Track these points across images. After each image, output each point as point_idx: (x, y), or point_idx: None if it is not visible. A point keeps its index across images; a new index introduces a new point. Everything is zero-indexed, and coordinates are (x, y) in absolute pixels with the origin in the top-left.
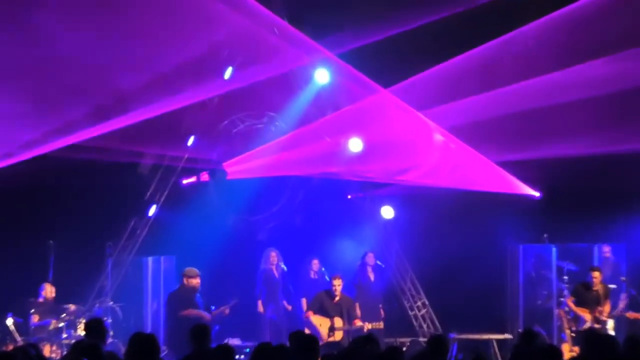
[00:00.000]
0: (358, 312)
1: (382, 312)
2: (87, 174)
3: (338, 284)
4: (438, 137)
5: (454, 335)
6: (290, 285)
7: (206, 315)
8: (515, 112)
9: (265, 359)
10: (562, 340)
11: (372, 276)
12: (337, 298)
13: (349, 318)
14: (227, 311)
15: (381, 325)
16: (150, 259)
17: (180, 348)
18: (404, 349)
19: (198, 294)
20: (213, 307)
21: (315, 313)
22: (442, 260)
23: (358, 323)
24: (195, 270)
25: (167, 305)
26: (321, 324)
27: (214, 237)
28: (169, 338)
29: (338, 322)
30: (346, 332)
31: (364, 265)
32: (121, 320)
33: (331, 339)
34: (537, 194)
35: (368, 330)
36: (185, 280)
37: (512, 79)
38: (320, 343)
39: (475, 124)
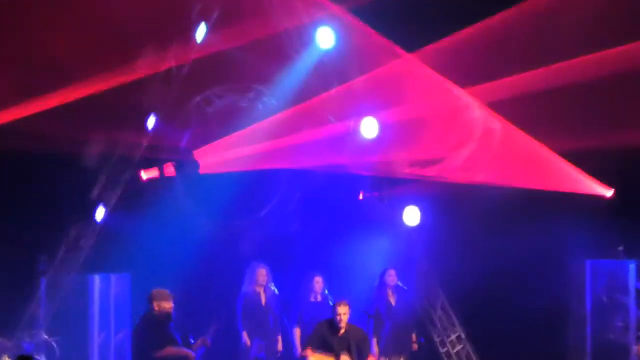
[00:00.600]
0: (375, 348)
1: (415, 344)
2: (14, 166)
3: (344, 312)
4: (479, 117)
5: None
6: (283, 314)
7: (190, 354)
8: (581, 84)
9: None
10: None
11: (393, 300)
12: (342, 330)
13: (359, 356)
14: (207, 342)
15: None
16: (97, 278)
17: None
18: None
19: (172, 323)
20: (192, 340)
21: (314, 350)
22: (483, 281)
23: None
24: (166, 292)
25: (135, 344)
26: None
27: (182, 249)
28: None
29: (345, 359)
30: None
31: (382, 286)
32: (58, 358)
33: None
34: (609, 193)
35: None
36: (155, 306)
37: (578, 43)
38: None
39: (528, 101)
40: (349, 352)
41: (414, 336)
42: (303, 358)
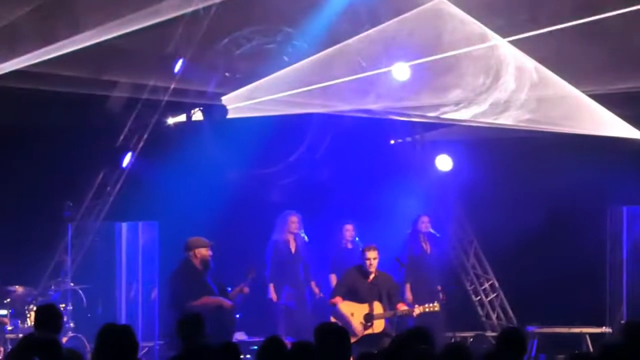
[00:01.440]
0: (408, 295)
1: (441, 294)
2: (38, 111)
3: (373, 257)
4: (513, 61)
5: (534, 329)
6: (312, 262)
7: (226, 302)
8: (617, 28)
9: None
10: None
11: (427, 247)
12: (371, 276)
13: (390, 302)
14: (245, 289)
15: (437, 307)
16: (124, 226)
17: None
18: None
19: (209, 272)
20: (229, 289)
21: (344, 298)
22: (518, 228)
23: (402, 307)
24: (203, 239)
25: (172, 293)
26: (353, 312)
27: (210, 197)
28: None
29: (377, 307)
30: (389, 321)
31: (415, 233)
32: (85, 307)
33: (368, 331)
34: None
35: (419, 315)
36: (191, 254)
37: None
38: (353, 339)
39: (558, 43)
40: (380, 300)
41: (439, 288)
42: (333, 306)
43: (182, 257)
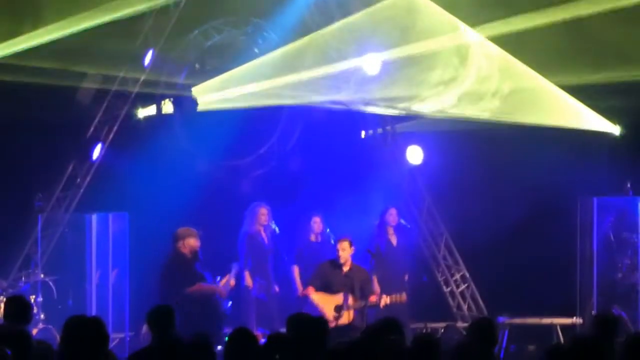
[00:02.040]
0: (376, 287)
1: (405, 282)
2: (7, 103)
3: (342, 249)
4: (484, 52)
5: (505, 320)
6: (284, 253)
7: (220, 289)
8: (588, 18)
9: (244, 351)
10: None
11: (394, 240)
12: (345, 268)
13: (362, 295)
14: (232, 282)
15: (404, 297)
16: (94, 217)
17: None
18: (438, 337)
19: (198, 262)
20: (218, 277)
21: (317, 290)
22: (488, 220)
23: (373, 299)
24: (192, 229)
25: (163, 284)
26: (325, 303)
27: (180, 188)
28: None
29: (348, 299)
30: (358, 312)
31: (383, 225)
32: (56, 298)
33: (338, 322)
34: (617, 129)
35: (386, 306)
36: (180, 244)
37: None
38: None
39: (534, 37)
40: (352, 292)
41: (406, 276)
42: (304, 297)
43: (171, 247)
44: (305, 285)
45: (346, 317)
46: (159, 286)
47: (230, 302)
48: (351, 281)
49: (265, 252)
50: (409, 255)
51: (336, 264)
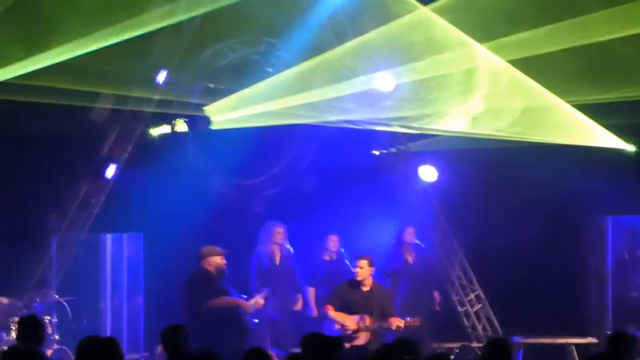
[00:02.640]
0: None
1: (436, 304)
2: (22, 122)
3: (360, 267)
4: (496, 70)
5: (519, 340)
6: (299, 273)
7: (244, 303)
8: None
9: None
10: None
11: (410, 258)
12: (365, 288)
13: (382, 315)
14: (261, 302)
15: (417, 322)
16: (109, 237)
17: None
18: (452, 357)
19: (224, 280)
20: (245, 297)
21: (336, 310)
22: (503, 239)
23: (393, 321)
24: (217, 248)
25: (192, 297)
26: (343, 323)
27: (195, 208)
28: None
29: (366, 320)
30: (374, 334)
31: (399, 244)
32: (71, 319)
33: (358, 342)
34: (632, 148)
35: (399, 329)
36: (205, 262)
37: None
38: (347, 345)
39: (547, 55)
40: (372, 313)
41: (436, 295)
42: (324, 314)
43: (194, 265)
44: (325, 302)
45: (363, 338)
46: (185, 302)
47: (257, 320)
48: (371, 301)
49: (280, 272)
50: (427, 274)
51: (355, 283)
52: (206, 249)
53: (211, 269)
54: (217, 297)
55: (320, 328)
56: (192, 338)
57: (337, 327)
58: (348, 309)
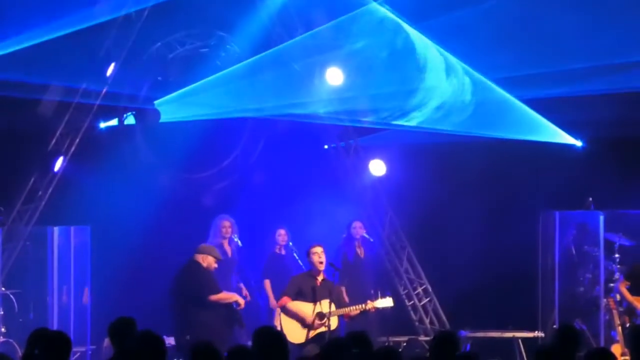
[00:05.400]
0: (345, 298)
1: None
2: None
3: (321, 251)
4: (447, 65)
5: (466, 334)
6: (247, 266)
7: (241, 299)
8: (547, 28)
9: None
10: (612, 339)
11: (361, 252)
12: (320, 277)
13: (338, 305)
14: (246, 293)
15: (390, 302)
16: (56, 230)
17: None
18: (400, 350)
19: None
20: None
21: (293, 299)
22: (450, 234)
23: (354, 306)
24: (216, 251)
25: (187, 286)
26: (304, 310)
27: (143, 201)
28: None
29: (328, 305)
30: (346, 318)
31: (350, 238)
32: (17, 312)
33: (323, 329)
34: (579, 143)
35: (372, 310)
36: (199, 257)
37: None
38: (311, 333)
39: (493, 48)
40: (330, 299)
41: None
42: (282, 307)
43: (190, 259)
44: (280, 295)
45: (333, 323)
46: (183, 292)
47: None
48: (328, 290)
49: (229, 266)
50: (373, 268)
51: (310, 274)
52: (206, 247)
53: (204, 264)
54: (218, 291)
55: (271, 320)
56: (188, 328)
57: (298, 318)
58: (305, 297)
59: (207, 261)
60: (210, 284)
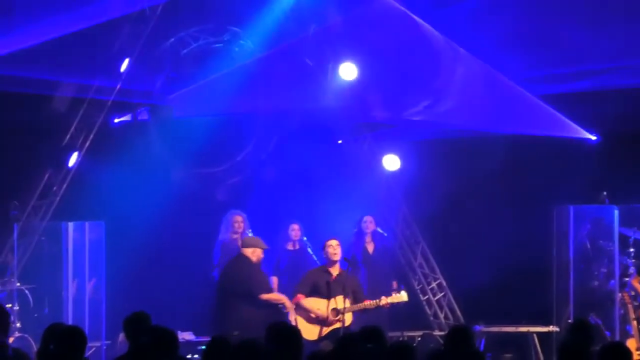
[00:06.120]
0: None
1: (394, 292)
2: None
3: (336, 244)
4: (462, 60)
5: (481, 328)
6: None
7: (288, 302)
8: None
9: (222, 359)
10: (626, 334)
11: (370, 247)
12: (335, 272)
13: (355, 300)
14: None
15: (405, 297)
16: (71, 225)
17: None
18: (414, 345)
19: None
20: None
21: (307, 296)
22: (465, 228)
23: (368, 302)
24: (262, 242)
25: (236, 284)
26: (319, 307)
27: (156, 196)
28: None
29: (343, 301)
30: (362, 312)
31: (360, 233)
32: (32, 307)
33: (336, 325)
34: (593, 137)
35: (386, 305)
36: (248, 251)
37: None
38: (325, 330)
39: (508, 41)
40: (344, 295)
41: (394, 284)
42: (296, 304)
43: (238, 254)
44: (293, 291)
45: (348, 320)
46: (230, 287)
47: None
48: (342, 285)
49: None
50: (386, 263)
51: (325, 268)
52: (252, 239)
53: (253, 258)
54: (268, 287)
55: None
56: (237, 324)
57: (312, 315)
58: (319, 293)
59: (256, 254)
60: (262, 282)
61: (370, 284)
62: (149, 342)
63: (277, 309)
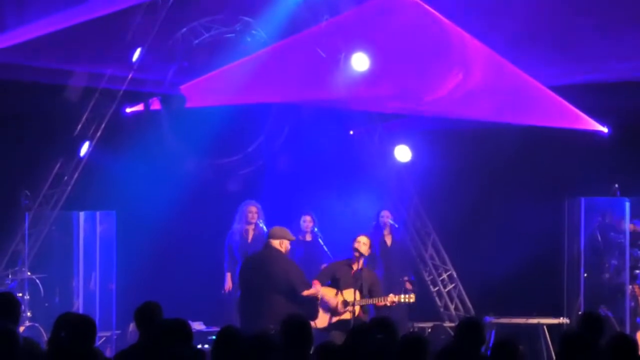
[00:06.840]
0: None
1: (408, 284)
2: None
3: (364, 242)
4: (474, 51)
5: (492, 320)
6: None
7: (318, 295)
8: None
9: (232, 349)
10: (637, 326)
11: (389, 240)
12: (355, 266)
13: (370, 295)
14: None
15: (412, 298)
16: (82, 215)
17: None
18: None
19: None
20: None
21: (323, 284)
22: (475, 219)
23: (376, 299)
24: (289, 231)
25: (271, 279)
26: (332, 296)
27: (168, 186)
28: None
29: (351, 295)
30: (364, 309)
31: (378, 227)
32: (43, 296)
33: (346, 316)
34: (605, 129)
35: (393, 304)
36: (277, 243)
37: None
38: (334, 319)
39: (520, 34)
40: (360, 291)
41: (406, 282)
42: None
43: (266, 245)
44: (313, 278)
45: (358, 311)
46: (265, 282)
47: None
48: (360, 281)
49: (252, 251)
50: (402, 255)
51: (348, 262)
52: (280, 230)
53: (282, 249)
54: (308, 282)
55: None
56: (274, 318)
57: (324, 303)
58: (336, 285)
59: (284, 245)
60: (303, 278)
61: (385, 277)
62: (161, 332)
63: (315, 303)
